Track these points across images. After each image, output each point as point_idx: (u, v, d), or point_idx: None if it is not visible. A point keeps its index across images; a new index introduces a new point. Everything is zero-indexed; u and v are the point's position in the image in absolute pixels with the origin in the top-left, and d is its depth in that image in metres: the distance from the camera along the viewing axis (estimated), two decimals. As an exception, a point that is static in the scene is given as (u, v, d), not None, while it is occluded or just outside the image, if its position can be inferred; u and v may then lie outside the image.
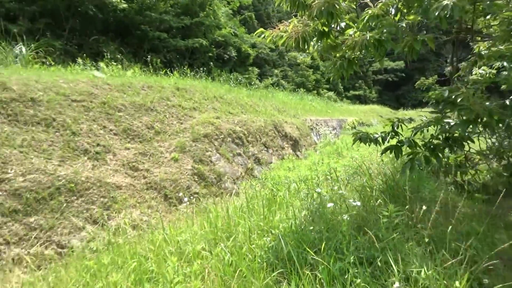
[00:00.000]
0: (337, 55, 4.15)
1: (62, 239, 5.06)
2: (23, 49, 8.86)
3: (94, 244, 5.03)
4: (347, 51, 3.96)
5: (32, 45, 9.44)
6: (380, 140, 4.16)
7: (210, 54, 20.26)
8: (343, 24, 4.03)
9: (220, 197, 7.35)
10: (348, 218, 3.20)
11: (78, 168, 6.04)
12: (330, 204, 3.49)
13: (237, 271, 3.35)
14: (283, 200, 5.09)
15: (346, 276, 2.69)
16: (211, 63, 19.87)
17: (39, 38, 12.30)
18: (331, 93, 33.17)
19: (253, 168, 9.22)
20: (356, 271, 2.71)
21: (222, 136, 8.91)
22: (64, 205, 5.41)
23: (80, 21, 15.56)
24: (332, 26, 3.93)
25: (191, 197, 6.89)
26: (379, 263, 2.99)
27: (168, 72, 13.05)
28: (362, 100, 41.84)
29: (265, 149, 10.42)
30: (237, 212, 4.78)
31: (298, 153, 12.26)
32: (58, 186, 5.53)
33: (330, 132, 15.95)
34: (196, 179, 7.36)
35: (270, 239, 3.83)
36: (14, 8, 13.83)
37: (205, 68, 17.38)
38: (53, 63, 9.80)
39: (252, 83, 21.18)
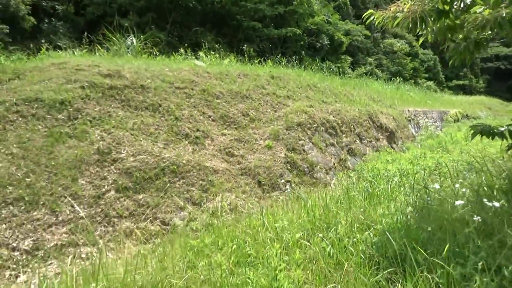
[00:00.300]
0: (460, 36, 3.69)
1: (165, 216, 5.41)
2: (134, 41, 9.67)
3: (194, 224, 5.28)
4: (473, 31, 3.50)
5: (141, 36, 10.24)
6: (507, 134, 3.62)
7: (302, 43, 20.02)
8: (468, 1, 3.57)
9: (312, 186, 7.23)
10: (480, 219, 2.84)
11: (180, 151, 6.39)
12: (459, 202, 3.13)
13: (339, 264, 3.22)
14: (384, 193, 4.79)
15: (471, 283, 2.39)
16: (303, 51, 19.63)
17: (146, 30, 13.33)
18: (430, 83, 30.63)
19: (346, 159, 8.89)
20: (485, 279, 2.39)
21: (315, 125, 8.73)
22: (168, 185, 5.77)
23: (181, 14, 16.51)
24: (455, 3, 3.50)
25: (284, 185, 6.88)
26: (505, 273, 2.61)
27: (261, 61, 13.20)
28: (466, 90, 37.91)
29: (359, 140, 9.98)
30: (335, 203, 4.61)
31: (394, 145, 11.53)
32: (163, 167, 5.91)
33: (432, 124, 14.72)
34: (289, 167, 7.33)
35: (373, 233, 3.60)
36: (125, 4, 15.17)
37: (296, 57, 17.23)
38: (158, 53, 10.53)
39: (345, 72, 20.46)
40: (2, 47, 9.61)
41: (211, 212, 5.67)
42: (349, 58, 23.49)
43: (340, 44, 22.59)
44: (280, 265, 2.86)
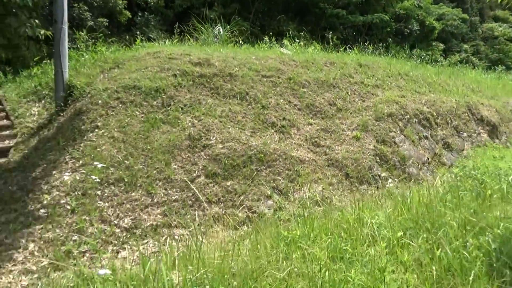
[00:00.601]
0: None
1: (252, 204, 5.39)
2: (221, 30, 9.84)
3: (282, 213, 5.19)
4: None
5: (228, 26, 10.38)
6: None
7: (388, 29, 18.83)
8: None
9: (403, 182, 6.73)
10: None
11: (267, 139, 6.34)
12: None
13: (450, 270, 2.87)
14: (499, 194, 4.22)
15: None
16: (389, 38, 18.46)
17: (231, 21, 13.52)
18: (538, 72, 26.93)
19: (442, 154, 8.15)
20: None
21: (408, 116, 8.11)
22: (255, 173, 5.75)
23: (263, 3, 16.48)
24: None
25: (373, 179, 6.49)
26: None
27: (346, 48, 12.66)
28: None
29: (456, 133, 9.08)
30: (438, 201, 4.17)
31: (497, 140, 10.32)
32: (250, 155, 5.90)
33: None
34: (378, 160, 6.90)
35: (491, 239, 3.16)
36: (211, -4, 15.54)
37: (384, 44, 16.23)
38: (242, 42, 10.61)
39: (437, 60, 18.83)
40: (102, 40, 10.38)
41: (297, 202, 5.54)
42: (440, 45, 21.55)
43: (431, 30, 20.82)
44: (388, 266, 2.60)
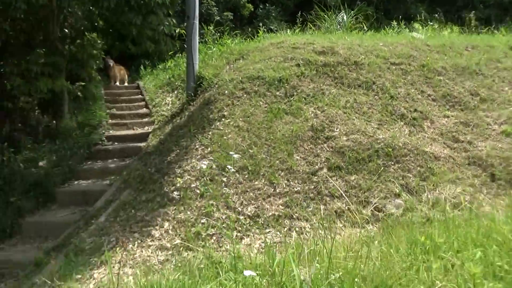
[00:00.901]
0: None
1: (378, 202, 4.99)
2: (344, 17, 9.42)
3: (412, 214, 4.70)
4: None
5: (351, 12, 9.90)
6: None
7: (546, 5, 15.82)
8: None
9: None
10: None
11: (395, 133, 5.82)
12: None
13: None
14: None
15: None
16: (548, 15, 15.49)
17: (353, 7, 12.89)
18: None
19: None
20: None
21: None
22: (381, 168, 5.32)
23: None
24: None
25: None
26: None
27: (491, 29, 10.98)
28: None
29: None
30: None
31: None
32: (377, 149, 5.49)
33: None
34: (535, 161, 5.77)
35: None
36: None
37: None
38: (367, 29, 10.00)
39: None
40: (227, 33, 10.85)
41: (431, 204, 4.95)
42: None
43: None
44: None
